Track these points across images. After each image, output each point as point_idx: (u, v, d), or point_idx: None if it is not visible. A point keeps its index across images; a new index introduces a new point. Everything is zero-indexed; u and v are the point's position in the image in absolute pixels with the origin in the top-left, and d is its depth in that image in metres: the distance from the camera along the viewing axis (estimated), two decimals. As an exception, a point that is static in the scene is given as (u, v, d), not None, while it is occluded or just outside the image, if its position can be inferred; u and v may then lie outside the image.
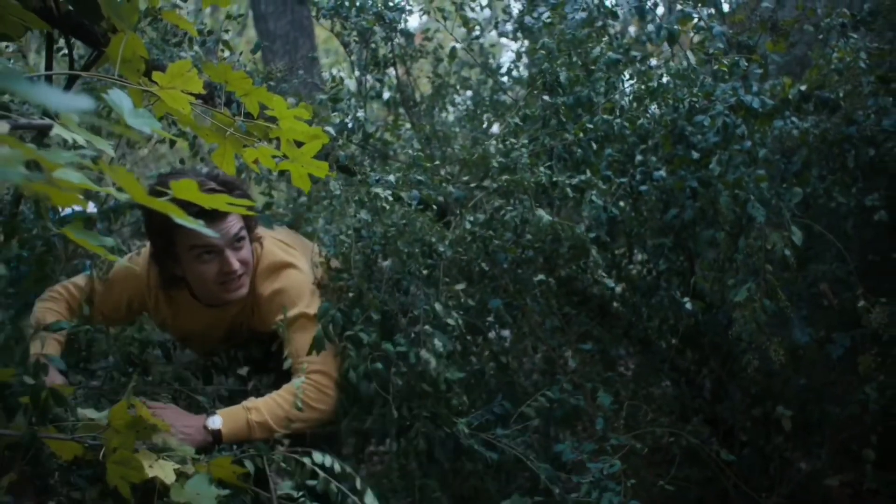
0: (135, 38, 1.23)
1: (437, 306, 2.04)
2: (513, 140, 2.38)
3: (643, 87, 2.45)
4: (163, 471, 1.40)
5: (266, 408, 1.91)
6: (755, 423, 2.56)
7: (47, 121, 1.00)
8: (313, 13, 3.14)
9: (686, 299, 2.42)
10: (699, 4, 2.66)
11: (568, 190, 2.23)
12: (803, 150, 2.42)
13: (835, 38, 2.38)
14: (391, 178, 2.28)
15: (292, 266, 2.14)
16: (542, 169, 2.25)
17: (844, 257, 2.36)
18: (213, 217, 1.85)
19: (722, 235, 2.39)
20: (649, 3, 2.71)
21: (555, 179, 2.24)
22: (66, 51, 2.11)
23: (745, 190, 2.24)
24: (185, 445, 1.65)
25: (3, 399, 1.37)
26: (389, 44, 3.07)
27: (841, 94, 2.35)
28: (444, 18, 3.49)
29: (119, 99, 0.89)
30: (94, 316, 2.21)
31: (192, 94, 1.15)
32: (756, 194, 2.22)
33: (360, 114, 2.70)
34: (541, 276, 2.30)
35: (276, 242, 2.22)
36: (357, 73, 3.21)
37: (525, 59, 3.73)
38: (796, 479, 2.70)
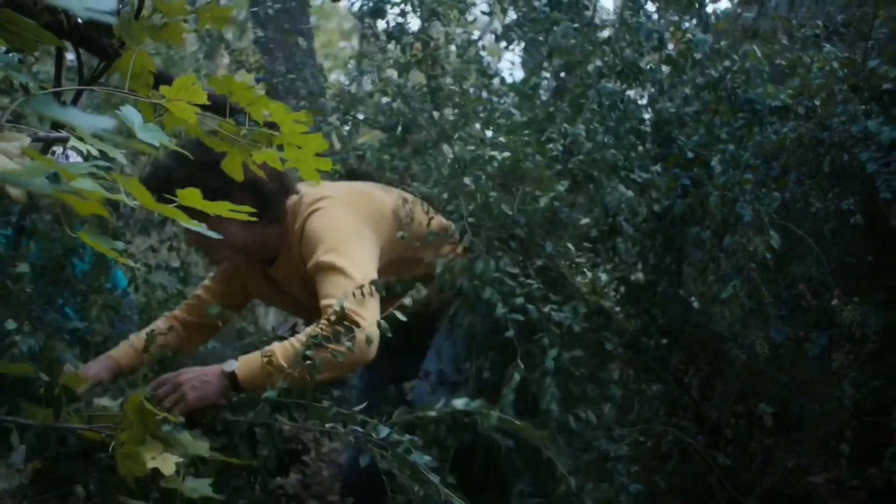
0: (144, 54, 1.32)
1: None
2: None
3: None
4: (164, 463, 1.45)
5: (280, 350, 1.88)
6: (738, 420, 2.65)
7: (64, 133, 1.09)
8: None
9: (693, 298, 2.52)
10: (685, 13, 2.77)
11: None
12: (783, 156, 2.52)
13: (812, 49, 2.48)
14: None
15: (323, 203, 2.13)
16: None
17: (823, 259, 2.46)
18: None
19: (708, 234, 2.50)
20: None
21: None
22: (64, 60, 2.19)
23: (734, 192, 2.36)
24: (207, 392, 1.78)
25: (26, 392, 1.45)
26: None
27: (818, 102, 2.46)
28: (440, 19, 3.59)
29: (130, 114, 0.98)
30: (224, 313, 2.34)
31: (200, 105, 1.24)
32: (742, 196, 2.35)
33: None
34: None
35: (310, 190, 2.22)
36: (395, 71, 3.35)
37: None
38: (780, 476, 2.78)
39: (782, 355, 2.59)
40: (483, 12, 3.77)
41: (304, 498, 3.26)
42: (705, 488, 2.61)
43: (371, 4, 3.23)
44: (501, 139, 2.51)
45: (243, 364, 1.87)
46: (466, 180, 2.33)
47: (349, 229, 2.08)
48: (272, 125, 1.37)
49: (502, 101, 3.50)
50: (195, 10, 1.64)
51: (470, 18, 3.85)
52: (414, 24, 3.84)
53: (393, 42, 3.09)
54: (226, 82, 1.33)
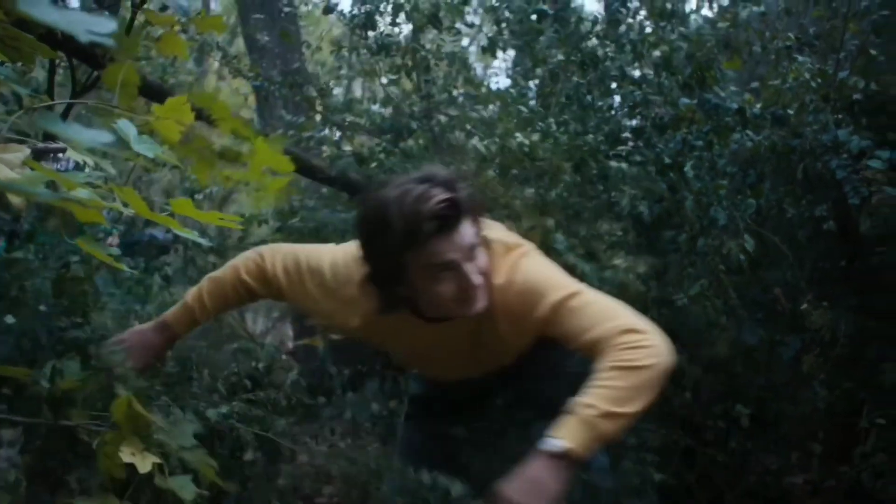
0: (131, 68, 1.38)
1: None
2: None
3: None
4: (142, 462, 1.41)
5: (601, 398, 1.53)
6: (717, 422, 2.72)
7: (61, 144, 1.15)
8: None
9: (682, 295, 2.56)
10: (665, 21, 2.87)
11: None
12: (758, 164, 2.60)
13: (785, 60, 2.57)
14: None
15: (523, 250, 1.77)
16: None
17: (797, 265, 2.54)
18: (445, 228, 1.55)
19: (684, 237, 2.58)
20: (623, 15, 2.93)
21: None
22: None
23: (709, 197, 2.45)
24: (551, 492, 1.47)
25: (23, 394, 1.50)
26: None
27: (791, 111, 2.54)
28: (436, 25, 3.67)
29: (125, 128, 1.04)
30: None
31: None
32: (717, 201, 2.43)
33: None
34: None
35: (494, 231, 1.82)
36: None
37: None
38: (758, 476, 2.85)
39: (757, 358, 2.66)
40: (467, 25, 3.85)
41: (293, 501, 3.30)
42: (685, 488, 2.68)
43: (362, 14, 3.31)
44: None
45: (563, 433, 1.51)
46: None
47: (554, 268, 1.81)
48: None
49: (488, 107, 3.59)
50: (188, 19, 1.70)
51: (460, 27, 3.95)
52: (405, 30, 3.94)
53: (383, 52, 3.16)
54: (206, 97, 1.38)
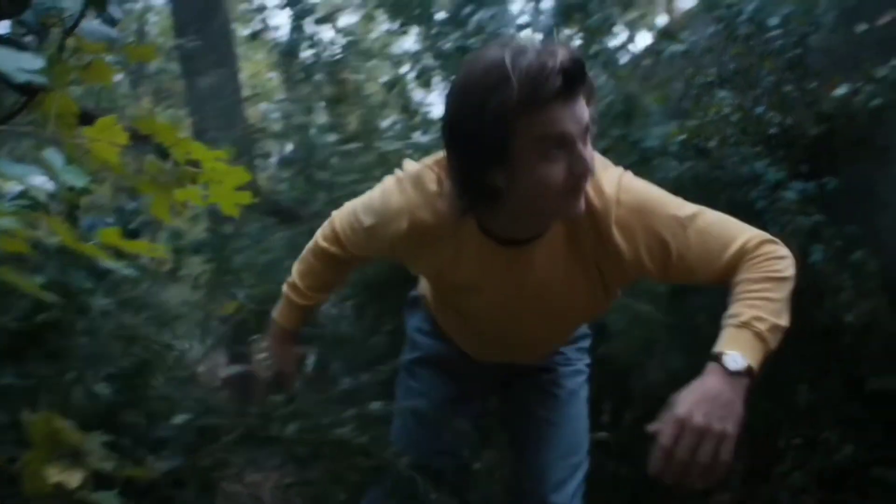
0: (65, 97, 1.37)
1: None
2: None
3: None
4: (70, 478, 1.42)
5: (765, 309, 1.39)
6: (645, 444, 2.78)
7: (-13, 172, 1.14)
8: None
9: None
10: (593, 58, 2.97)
11: None
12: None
13: (706, 95, 2.69)
14: None
15: (622, 169, 1.52)
16: None
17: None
18: (570, 91, 1.30)
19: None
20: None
21: None
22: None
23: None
24: (738, 412, 1.29)
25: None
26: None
27: (712, 144, 2.66)
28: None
29: (52, 157, 1.04)
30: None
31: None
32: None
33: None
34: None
35: None
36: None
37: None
38: (684, 496, 2.93)
39: (683, 383, 2.74)
40: (396, 58, 3.91)
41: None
42: (613, 510, 2.73)
43: (288, 41, 3.34)
44: None
45: (736, 347, 1.36)
46: None
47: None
48: (195, 163, 1.42)
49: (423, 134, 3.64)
50: (120, 47, 1.70)
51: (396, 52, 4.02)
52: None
53: (308, 77, 3.19)
54: (149, 122, 1.39)
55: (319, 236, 1.74)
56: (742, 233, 1.45)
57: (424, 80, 3.89)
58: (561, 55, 1.27)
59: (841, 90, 2.52)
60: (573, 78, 1.27)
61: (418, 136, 3.66)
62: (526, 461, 1.81)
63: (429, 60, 3.91)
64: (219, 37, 5.46)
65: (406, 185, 1.52)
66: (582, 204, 1.39)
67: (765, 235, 1.46)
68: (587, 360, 1.87)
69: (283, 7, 4.03)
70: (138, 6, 7.56)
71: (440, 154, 1.49)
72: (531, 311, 1.57)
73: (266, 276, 2.99)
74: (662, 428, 1.31)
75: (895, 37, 2.57)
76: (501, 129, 1.30)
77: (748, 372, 1.34)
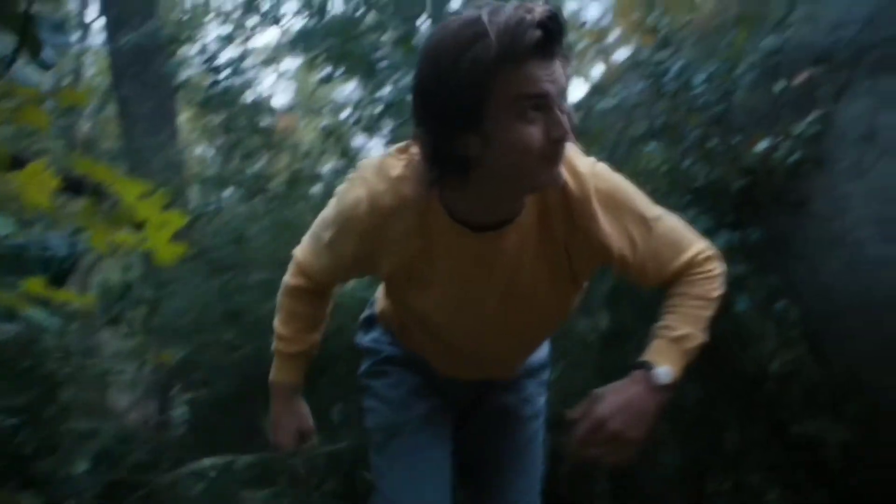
0: (-4, 143, 1.36)
1: None
2: None
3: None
4: None
5: (697, 326, 1.45)
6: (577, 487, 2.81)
7: None
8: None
9: None
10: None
11: None
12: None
13: (636, 148, 2.79)
14: None
15: (595, 165, 1.46)
16: None
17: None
18: (548, 47, 1.24)
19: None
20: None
21: None
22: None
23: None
24: (648, 422, 1.35)
25: None
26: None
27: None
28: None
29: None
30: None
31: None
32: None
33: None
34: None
35: None
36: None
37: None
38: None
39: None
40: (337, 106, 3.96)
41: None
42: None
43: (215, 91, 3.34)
44: None
45: (666, 361, 1.41)
46: None
47: None
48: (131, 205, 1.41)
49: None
50: (54, 91, 1.69)
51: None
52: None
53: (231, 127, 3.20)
54: (87, 164, 1.37)
55: (287, 277, 1.69)
56: (693, 244, 1.49)
57: (365, 125, 3.93)
58: (539, 11, 1.22)
59: (762, 145, 2.63)
60: (552, 32, 1.21)
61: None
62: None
63: (371, 108, 3.97)
64: (157, 80, 5.44)
65: (365, 175, 1.44)
66: (561, 172, 1.32)
67: (712, 250, 1.51)
68: (545, 397, 1.85)
69: (205, 61, 4.05)
70: (74, 49, 7.47)
71: (404, 142, 1.44)
72: (500, 308, 1.50)
73: (198, 324, 2.95)
74: (581, 422, 1.39)
75: (810, 95, 2.72)
76: (477, 88, 1.23)
77: (672, 387, 1.40)
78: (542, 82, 1.23)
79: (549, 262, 1.46)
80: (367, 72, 4.01)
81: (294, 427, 1.74)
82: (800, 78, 2.75)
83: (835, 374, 2.46)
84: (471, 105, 1.24)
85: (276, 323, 1.71)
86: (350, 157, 3.95)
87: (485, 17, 1.20)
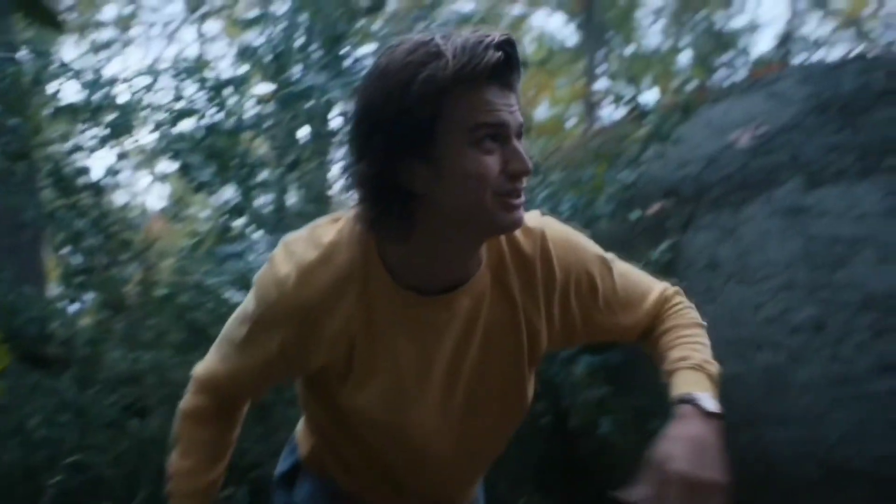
0: None
1: None
2: None
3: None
4: None
5: (706, 353, 1.32)
6: None
7: None
8: None
9: None
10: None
11: None
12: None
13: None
14: None
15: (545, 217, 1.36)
16: None
17: (520, 458, 2.75)
18: (505, 72, 1.13)
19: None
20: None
21: None
22: None
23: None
24: (716, 457, 1.12)
25: None
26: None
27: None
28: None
29: None
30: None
31: None
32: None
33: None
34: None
35: None
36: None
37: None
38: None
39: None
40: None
41: None
42: None
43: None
44: None
45: (702, 388, 1.24)
46: None
47: None
48: None
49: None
50: None
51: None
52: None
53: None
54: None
55: (183, 404, 1.39)
56: (654, 282, 1.40)
57: (237, 235, 3.91)
58: (498, 35, 1.11)
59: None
60: (511, 57, 1.11)
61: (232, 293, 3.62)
62: None
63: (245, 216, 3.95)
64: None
65: (291, 248, 1.22)
66: (522, 214, 1.16)
67: (674, 286, 1.41)
68: None
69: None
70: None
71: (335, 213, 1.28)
72: (450, 393, 1.29)
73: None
74: (651, 490, 1.12)
75: (662, 224, 2.93)
76: (429, 107, 1.09)
77: (721, 416, 1.20)
78: (501, 111, 1.12)
79: (505, 331, 1.28)
80: (243, 178, 3.99)
81: None
82: (652, 209, 2.97)
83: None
84: (421, 126, 1.10)
85: (173, 462, 1.40)
86: (218, 263, 3.88)
87: (439, 39, 1.10)
